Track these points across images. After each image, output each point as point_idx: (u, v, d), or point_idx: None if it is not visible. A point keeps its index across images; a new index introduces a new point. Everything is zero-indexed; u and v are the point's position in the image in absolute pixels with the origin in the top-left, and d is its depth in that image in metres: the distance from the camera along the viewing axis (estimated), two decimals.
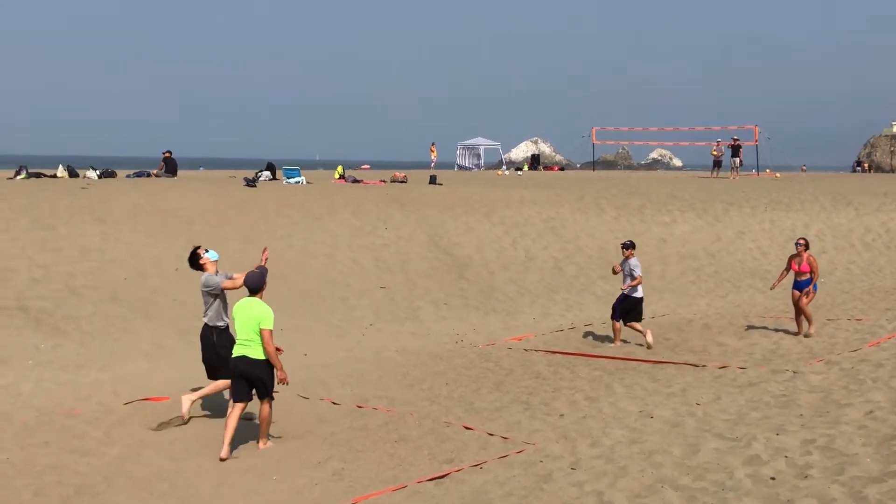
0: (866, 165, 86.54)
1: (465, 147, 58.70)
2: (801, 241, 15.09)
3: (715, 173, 41.61)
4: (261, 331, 9.71)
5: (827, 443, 8.28)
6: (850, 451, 7.96)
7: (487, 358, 14.41)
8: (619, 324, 15.16)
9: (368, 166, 56.16)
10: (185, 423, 10.92)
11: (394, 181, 32.62)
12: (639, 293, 15.09)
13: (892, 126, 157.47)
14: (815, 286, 14.84)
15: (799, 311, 14.99)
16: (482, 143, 59.17)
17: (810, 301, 14.90)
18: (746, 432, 8.95)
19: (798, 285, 14.92)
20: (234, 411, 9.95)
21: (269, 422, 10.12)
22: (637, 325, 15.09)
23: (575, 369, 13.28)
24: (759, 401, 10.41)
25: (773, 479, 7.55)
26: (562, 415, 10.58)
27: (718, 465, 8.06)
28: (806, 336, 14.72)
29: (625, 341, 15.30)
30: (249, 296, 9.95)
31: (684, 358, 13.73)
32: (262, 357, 9.78)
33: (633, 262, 15.09)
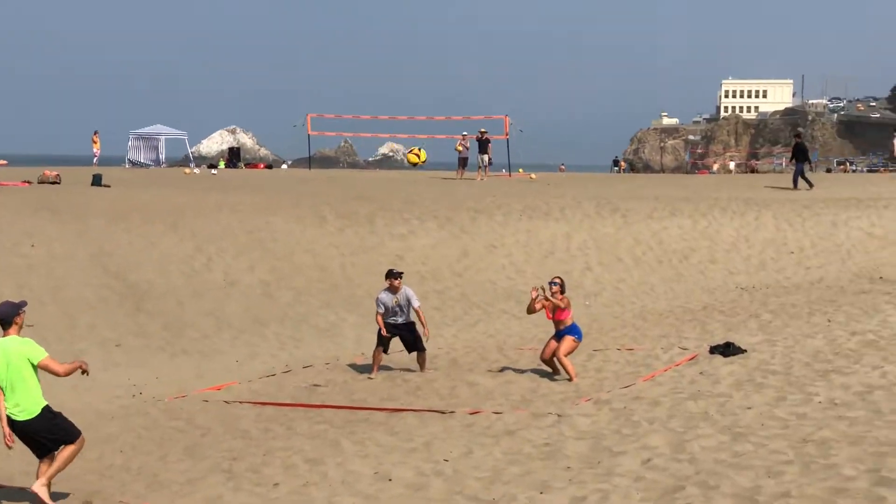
0: (623, 165, 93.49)
1: (141, 137, 57.24)
2: (557, 281, 15.26)
3: (460, 173, 43.08)
4: (40, 366, 9.87)
5: (600, 500, 8.76)
6: None
7: (176, 415, 14.12)
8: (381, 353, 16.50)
9: (6, 162, 53.48)
10: None
11: (43, 182, 31.37)
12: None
13: (661, 118, 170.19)
14: (579, 334, 15.33)
15: (552, 362, 15.42)
16: (163, 132, 57.98)
17: (572, 351, 15.23)
18: (505, 492, 9.29)
19: (558, 335, 15.23)
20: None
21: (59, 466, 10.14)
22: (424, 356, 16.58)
23: (292, 424, 13.26)
24: (518, 452, 10.84)
25: None
26: (276, 484, 10.53)
27: None
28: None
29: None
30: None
31: (428, 404, 14.06)
32: (36, 412, 9.90)
33: (409, 291, 16.50)
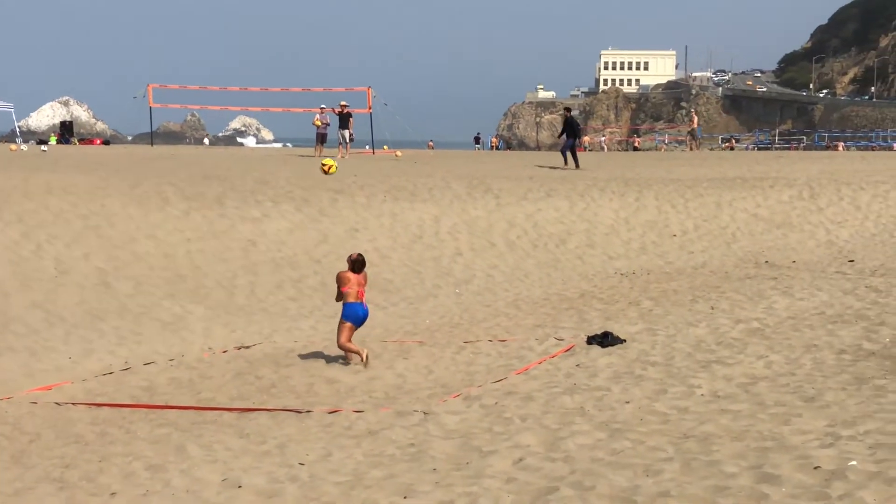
0: (495, 141, 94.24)
1: None
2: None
3: (319, 150, 42.99)
4: None
5: None
6: None
7: (1, 419, 13.83)
8: None
9: None
10: None
11: None
12: None
13: (536, 91, 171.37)
14: (344, 315, 16.24)
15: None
16: None
17: (341, 334, 16.20)
18: (366, 498, 9.32)
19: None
20: None
21: None
22: None
23: (131, 427, 13.09)
24: (381, 454, 10.88)
25: None
26: (113, 493, 10.38)
27: None
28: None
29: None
30: None
31: (282, 403, 14.01)
32: None
33: None
